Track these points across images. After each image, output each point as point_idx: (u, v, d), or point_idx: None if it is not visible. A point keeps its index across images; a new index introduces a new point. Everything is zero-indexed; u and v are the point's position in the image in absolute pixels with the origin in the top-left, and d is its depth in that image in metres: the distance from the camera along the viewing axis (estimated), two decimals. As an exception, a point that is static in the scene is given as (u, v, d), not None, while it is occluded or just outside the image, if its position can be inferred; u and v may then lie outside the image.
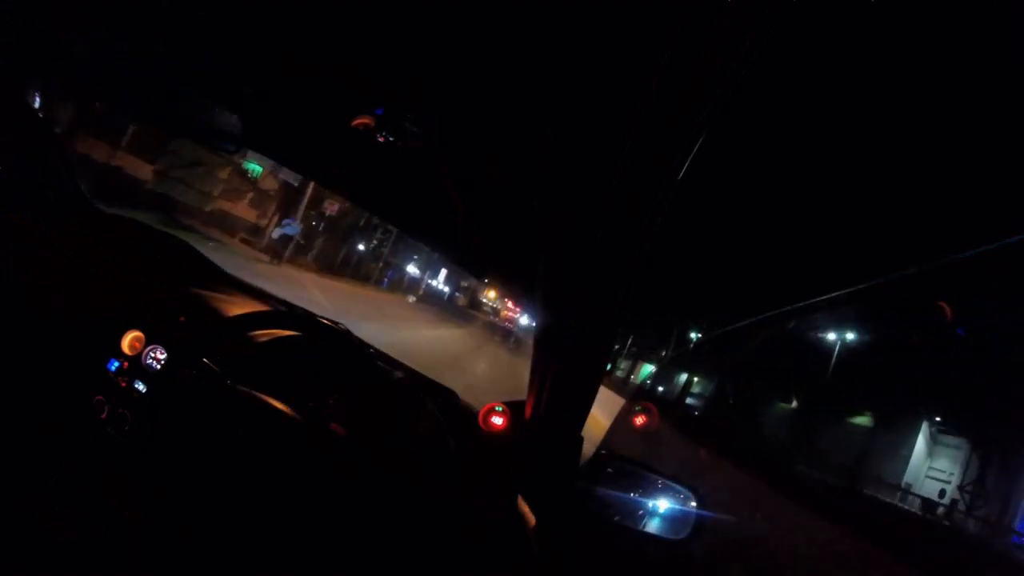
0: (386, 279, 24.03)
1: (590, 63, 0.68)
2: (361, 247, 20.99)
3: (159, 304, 1.14)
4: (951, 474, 9.79)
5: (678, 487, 1.11)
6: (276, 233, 14.95)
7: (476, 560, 1.00)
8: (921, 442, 10.18)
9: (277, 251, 14.34)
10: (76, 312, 1.12)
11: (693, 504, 1.10)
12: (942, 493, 9.38)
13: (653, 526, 1.12)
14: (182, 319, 1.10)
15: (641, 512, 1.12)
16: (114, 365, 1.06)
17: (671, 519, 1.11)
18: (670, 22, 0.53)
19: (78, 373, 1.08)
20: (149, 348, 1.06)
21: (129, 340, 1.07)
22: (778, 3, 0.52)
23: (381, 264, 23.52)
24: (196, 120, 1.07)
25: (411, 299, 22.04)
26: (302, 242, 15.69)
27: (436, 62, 0.84)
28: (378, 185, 1.21)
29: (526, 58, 0.78)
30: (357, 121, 0.93)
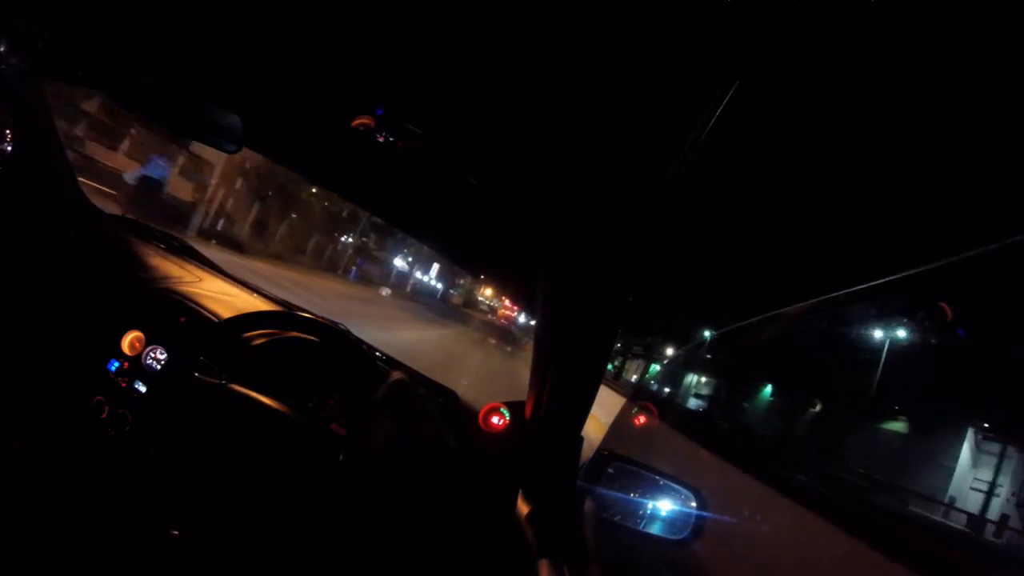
0: (354, 269, 21.38)
1: (592, 62, 0.71)
2: (325, 230, 18.49)
3: (159, 304, 1.21)
4: (1000, 486, 9.60)
5: (678, 487, 1.18)
6: (131, 176, 10.24)
7: (476, 560, 1.09)
8: (966, 451, 9.96)
9: (137, 202, 9.73)
10: (76, 313, 1.20)
11: (693, 504, 1.16)
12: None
13: (653, 526, 1.18)
14: (182, 319, 1.17)
15: (641, 512, 1.19)
16: (114, 365, 1.14)
17: (671, 519, 1.17)
18: (673, 23, 0.57)
19: (78, 373, 1.15)
20: (149, 348, 1.14)
21: (129, 340, 1.15)
22: (778, 3, 0.60)
23: (350, 252, 21.03)
24: (196, 120, 1.17)
25: (385, 291, 20.11)
26: (214, 205, 11.47)
27: (438, 62, 0.89)
28: (378, 185, 1.29)
29: (528, 58, 0.83)
30: (357, 121, 0.99)
